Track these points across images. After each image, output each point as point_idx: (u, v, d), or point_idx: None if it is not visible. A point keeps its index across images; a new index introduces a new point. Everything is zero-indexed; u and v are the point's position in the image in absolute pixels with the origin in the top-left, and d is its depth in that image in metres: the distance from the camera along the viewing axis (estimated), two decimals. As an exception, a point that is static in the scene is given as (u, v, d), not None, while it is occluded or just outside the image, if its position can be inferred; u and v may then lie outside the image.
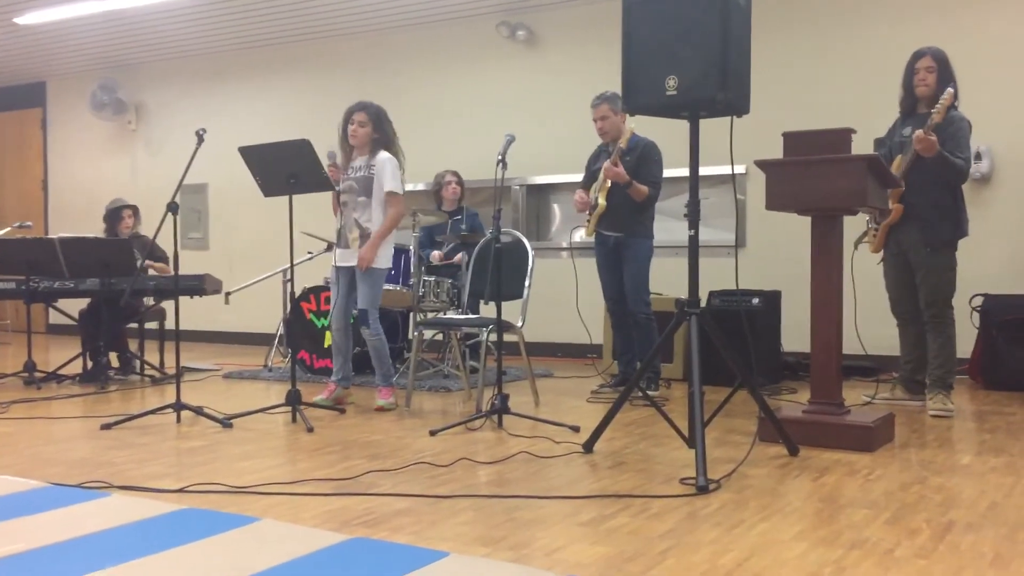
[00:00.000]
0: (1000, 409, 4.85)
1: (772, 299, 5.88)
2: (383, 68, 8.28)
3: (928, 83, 4.59)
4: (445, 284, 5.79)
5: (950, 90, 4.43)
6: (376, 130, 4.82)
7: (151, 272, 6.13)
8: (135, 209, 6.56)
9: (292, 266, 4.72)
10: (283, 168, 4.57)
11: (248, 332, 8.79)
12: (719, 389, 4.53)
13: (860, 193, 3.77)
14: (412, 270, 5.71)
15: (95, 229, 6.70)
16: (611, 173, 5.07)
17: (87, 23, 8.39)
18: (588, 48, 7.31)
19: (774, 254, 6.46)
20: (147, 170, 9.59)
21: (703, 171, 3.62)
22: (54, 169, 10.38)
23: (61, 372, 6.13)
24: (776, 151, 4.00)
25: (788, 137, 3.99)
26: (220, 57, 9.12)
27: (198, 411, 4.54)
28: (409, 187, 6.44)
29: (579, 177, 5.57)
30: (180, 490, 3.13)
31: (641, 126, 4.87)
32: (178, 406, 4.54)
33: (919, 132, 4.38)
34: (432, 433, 4.14)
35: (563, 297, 6.58)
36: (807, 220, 3.99)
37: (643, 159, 5.16)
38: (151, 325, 6.61)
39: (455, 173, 6.45)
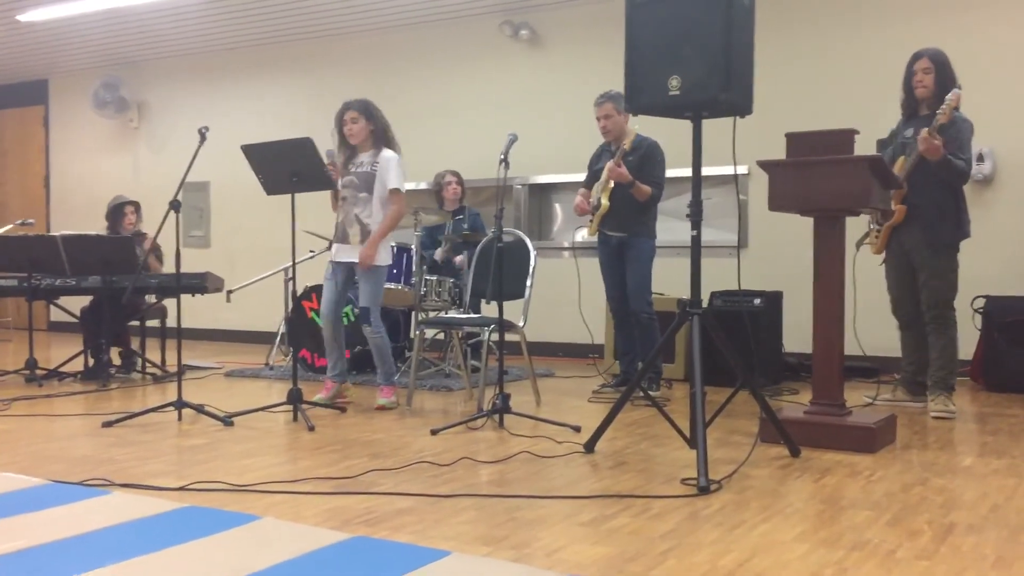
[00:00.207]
0: (1002, 411, 4.85)
1: (774, 300, 5.87)
2: (386, 67, 8.28)
3: (926, 84, 4.58)
4: (447, 283, 5.79)
5: (957, 91, 4.40)
6: (370, 121, 4.83)
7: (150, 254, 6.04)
8: (137, 205, 6.55)
9: (294, 264, 4.72)
10: (285, 166, 4.58)
11: (249, 330, 8.79)
12: (721, 389, 4.53)
13: (863, 194, 3.77)
14: (414, 269, 5.71)
15: (97, 227, 6.71)
16: (614, 173, 5.07)
17: (90, 21, 8.38)
18: (591, 48, 7.31)
19: (776, 255, 6.45)
20: (149, 168, 9.59)
21: (705, 171, 3.63)
22: (56, 167, 10.38)
23: (63, 369, 6.14)
24: (779, 152, 4.00)
25: (791, 138, 3.98)
26: (223, 56, 9.12)
27: (199, 409, 4.54)
28: (410, 186, 6.43)
29: (581, 177, 5.56)
30: (181, 488, 3.13)
31: (644, 126, 4.87)
32: (179, 404, 4.55)
33: (923, 134, 4.37)
34: (433, 432, 4.14)
35: (565, 297, 6.57)
36: (809, 221, 3.99)
37: (646, 159, 5.16)
38: (153, 323, 6.60)
39: (455, 173, 6.44)
